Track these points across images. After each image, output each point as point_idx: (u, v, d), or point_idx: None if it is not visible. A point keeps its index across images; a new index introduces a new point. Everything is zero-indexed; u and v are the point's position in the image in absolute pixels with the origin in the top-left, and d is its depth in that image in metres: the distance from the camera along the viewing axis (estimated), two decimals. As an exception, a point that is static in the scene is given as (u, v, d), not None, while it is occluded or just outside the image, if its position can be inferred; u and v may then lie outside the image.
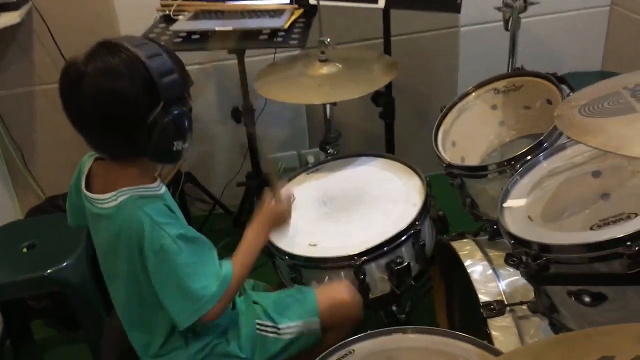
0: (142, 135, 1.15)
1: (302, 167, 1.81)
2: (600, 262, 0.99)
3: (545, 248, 1.04)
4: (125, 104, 1.13)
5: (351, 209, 1.62)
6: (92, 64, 1.12)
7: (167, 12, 2.20)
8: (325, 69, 1.82)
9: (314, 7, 2.09)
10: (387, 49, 2.21)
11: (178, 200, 2.50)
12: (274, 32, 1.95)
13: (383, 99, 2.27)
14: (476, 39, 2.61)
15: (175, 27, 2.04)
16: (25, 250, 1.86)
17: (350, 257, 1.44)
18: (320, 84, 1.74)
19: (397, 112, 2.29)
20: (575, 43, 2.67)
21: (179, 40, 2.01)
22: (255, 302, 1.47)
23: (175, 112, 1.16)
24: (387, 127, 2.36)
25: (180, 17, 2.18)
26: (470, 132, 1.66)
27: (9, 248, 1.88)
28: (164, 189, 1.29)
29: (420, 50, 2.61)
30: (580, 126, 0.84)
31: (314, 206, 1.65)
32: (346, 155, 1.82)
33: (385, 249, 1.46)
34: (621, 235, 0.95)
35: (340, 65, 1.83)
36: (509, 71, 1.74)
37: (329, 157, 1.84)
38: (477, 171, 1.47)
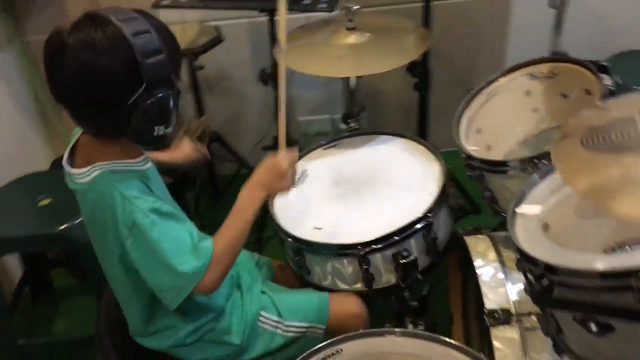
0: (122, 116, 1.07)
1: (321, 143, 1.72)
2: (610, 292, 0.88)
3: (551, 269, 0.94)
4: (105, 83, 1.06)
5: (363, 193, 1.53)
6: (75, 35, 1.05)
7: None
8: (352, 38, 1.70)
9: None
10: (427, 15, 2.07)
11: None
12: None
13: (418, 69, 2.15)
14: (530, 6, 2.41)
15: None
16: (40, 204, 1.86)
17: (354, 246, 1.37)
18: (341, 55, 1.63)
19: (435, 84, 2.17)
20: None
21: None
22: (263, 292, 1.43)
23: (159, 95, 1.08)
24: (421, 98, 2.24)
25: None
26: (499, 119, 1.53)
27: (27, 200, 1.88)
28: (148, 164, 1.24)
29: (464, 17, 2.44)
30: (574, 160, 0.71)
31: (325, 185, 1.58)
32: (366, 132, 1.72)
33: (391, 240, 1.37)
34: (636, 266, 0.84)
35: (368, 35, 1.71)
36: (549, 54, 1.59)
37: (348, 133, 1.74)
38: (497, 166, 1.35)
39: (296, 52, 1.69)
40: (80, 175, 1.17)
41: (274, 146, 2.42)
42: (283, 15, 1.36)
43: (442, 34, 2.47)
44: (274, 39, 2.12)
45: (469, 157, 1.39)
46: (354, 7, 1.66)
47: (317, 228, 1.45)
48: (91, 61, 1.04)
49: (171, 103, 1.11)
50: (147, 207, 1.12)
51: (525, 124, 1.53)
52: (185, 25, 2.24)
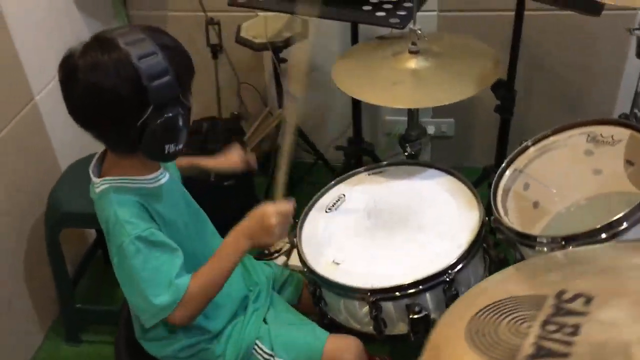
0: (133, 135, 1.11)
1: (365, 167, 1.66)
2: None
3: None
4: (113, 105, 1.09)
5: (392, 231, 1.47)
6: (83, 58, 1.08)
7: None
8: (413, 63, 1.60)
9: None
10: (518, 27, 1.89)
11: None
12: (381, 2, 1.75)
13: (502, 91, 1.99)
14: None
15: (279, -18, 1.92)
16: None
17: (365, 291, 1.32)
18: (395, 82, 1.54)
19: (525, 103, 1.99)
20: None
21: (280, -6, 1.89)
22: (265, 321, 1.43)
23: (167, 115, 1.10)
24: (503, 123, 2.08)
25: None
26: (553, 176, 1.38)
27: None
28: (162, 180, 1.26)
29: (572, 31, 2.21)
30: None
31: (357, 216, 1.52)
32: (416, 163, 1.63)
33: (405, 291, 1.31)
34: None
35: (431, 61, 1.60)
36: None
37: (397, 160, 1.66)
38: (524, 239, 1.22)
39: (350, 72, 1.62)
40: (95, 186, 1.22)
41: (346, 147, 2.40)
42: (299, 59, 1.31)
43: (541, 48, 2.27)
44: (355, 36, 2.05)
45: (497, 220, 1.27)
46: (418, 30, 1.55)
47: (336, 262, 1.41)
48: (99, 84, 1.07)
49: (180, 121, 1.14)
50: (135, 233, 1.15)
51: (583, 185, 1.37)
52: (272, 17, 2.22)
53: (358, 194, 1.58)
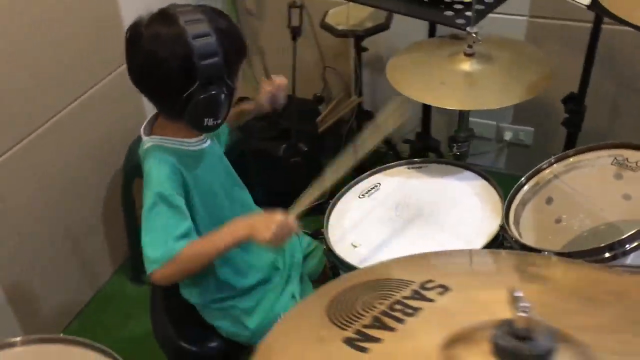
0: (178, 105, 1.23)
1: (408, 160, 1.70)
2: None
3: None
4: (164, 75, 1.21)
5: (413, 225, 1.51)
6: (148, 28, 1.22)
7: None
8: (467, 65, 1.62)
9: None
10: (594, 40, 1.83)
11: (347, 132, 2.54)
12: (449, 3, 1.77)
13: (571, 105, 1.94)
14: None
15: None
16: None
17: (372, 276, 1.38)
18: (443, 82, 1.57)
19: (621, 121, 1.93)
20: None
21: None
22: (293, 297, 1.52)
23: (210, 92, 1.22)
24: (569, 137, 2.02)
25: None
26: (579, 195, 1.36)
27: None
28: (205, 144, 1.38)
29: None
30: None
31: (386, 206, 1.58)
32: (455, 164, 1.65)
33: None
34: None
35: (484, 65, 1.61)
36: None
37: (438, 159, 1.69)
38: (529, 251, 1.23)
39: (403, 68, 1.66)
40: (143, 143, 1.37)
41: (413, 142, 2.43)
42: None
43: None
44: (432, 32, 2.08)
45: (504, 228, 1.28)
46: (474, 32, 1.57)
47: (354, 245, 1.49)
48: (155, 53, 1.20)
49: (222, 99, 1.24)
50: (157, 190, 1.27)
51: (612, 208, 1.34)
52: (356, 6, 2.28)
53: (393, 185, 1.64)
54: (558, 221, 1.38)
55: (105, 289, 2.30)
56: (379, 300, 0.55)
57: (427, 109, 2.31)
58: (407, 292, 0.56)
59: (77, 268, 2.16)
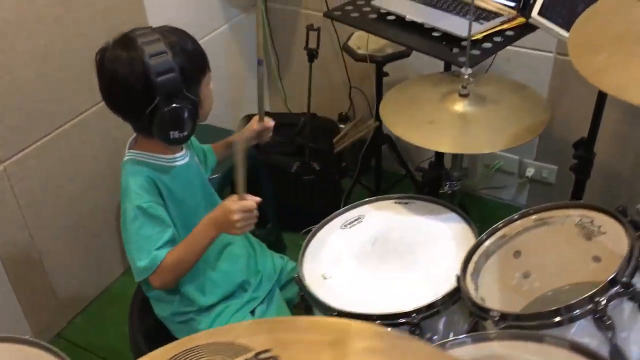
0: (145, 121, 1.30)
1: (397, 195, 1.70)
2: None
3: None
4: (126, 93, 1.29)
5: (386, 262, 1.51)
6: (110, 51, 1.30)
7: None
8: (459, 105, 1.60)
9: (531, 26, 1.81)
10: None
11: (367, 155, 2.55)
12: (455, 39, 1.76)
13: (580, 150, 1.89)
14: None
15: (375, 1, 1.99)
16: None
17: (333, 311, 1.39)
18: (431, 121, 1.56)
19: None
20: None
21: (373, 16, 1.97)
22: (252, 313, 1.56)
23: (171, 106, 1.28)
24: (576, 185, 1.96)
25: (404, -11, 2.10)
26: (548, 252, 1.33)
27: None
28: (182, 161, 1.44)
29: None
30: None
31: (365, 239, 1.58)
32: (441, 203, 1.63)
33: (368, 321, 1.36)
34: None
35: (477, 107, 1.59)
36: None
37: (425, 197, 1.67)
38: (474, 307, 1.21)
39: (396, 104, 1.66)
40: (124, 156, 1.44)
41: (424, 169, 2.41)
42: None
43: None
44: (448, 65, 2.06)
45: (459, 280, 1.26)
46: (468, 73, 1.55)
47: (324, 277, 1.50)
48: (116, 74, 1.28)
49: (185, 112, 1.30)
50: (137, 203, 1.34)
51: (581, 269, 1.30)
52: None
53: (376, 219, 1.64)
54: (526, 276, 1.35)
55: (112, 288, 2.39)
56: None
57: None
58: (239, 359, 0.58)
59: (87, 265, 2.26)
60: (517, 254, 1.34)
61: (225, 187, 2.25)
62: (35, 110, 1.89)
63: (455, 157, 1.71)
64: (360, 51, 2.29)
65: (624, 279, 1.05)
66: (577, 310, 1.07)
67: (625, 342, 1.10)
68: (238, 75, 2.80)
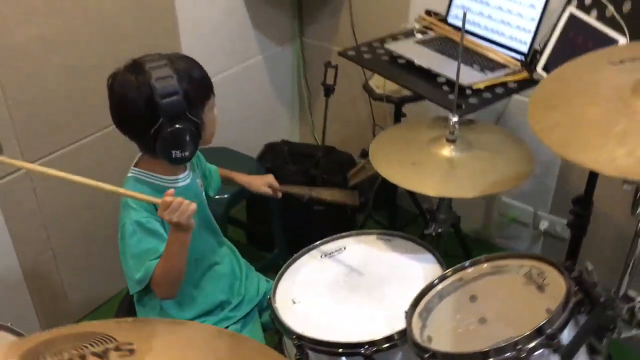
0: (149, 140, 1.41)
1: (381, 230, 1.75)
2: None
3: None
4: (133, 114, 1.40)
5: (355, 294, 1.56)
6: (120, 74, 1.41)
7: (417, 25, 2.21)
8: (446, 151, 1.64)
9: (534, 80, 1.85)
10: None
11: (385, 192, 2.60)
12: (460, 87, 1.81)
13: (578, 206, 1.88)
14: None
15: (388, 45, 2.06)
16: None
17: (296, 335, 1.44)
18: (413, 163, 1.61)
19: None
20: None
21: (385, 59, 2.04)
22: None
23: (174, 127, 1.38)
24: (573, 239, 1.95)
25: (419, 35, 2.17)
26: (503, 299, 1.34)
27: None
28: (179, 183, 1.53)
29: None
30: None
31: (340, 271, 1.64)
32: (419, 243, 1.67)
33: (323, 348, 1.41)
34: None
35: (463, 152, 1.63)
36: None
37: (407, 236, 1.71)
38: (414, 347, 1.23)
39: (387, 145, 1.72)
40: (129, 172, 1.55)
41: (433, 211, 2.43)
42: None
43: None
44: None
45: (406, 315, 1.30)
46: (454, 120, 1.60)
47: (293, 301, 1.56)
48: (124, 96, 1.40)
49: (187, 134, 1.40)
50: (135, 218, 1.44)
51: (534, 320, 1.31)
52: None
53: (355, 252, 1.69)
54: (482, 322, 1.36)
55: (123, 292, 2.51)
56: (71, 349, 0.64)
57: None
58: (99, 348, 0.65)
59: (99, 268, 2.39)
60: (473, 298, 1.36)
61: (233, 207, 2.36)
62: (62, 120, 2.05)
63: (442, 200, 1.75)
64: (378, 91, 2.36)
65: (549, 331, 1.06)
66: (503, 355, 1.09)
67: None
68: (266, 104, 2.93)
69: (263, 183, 1.80)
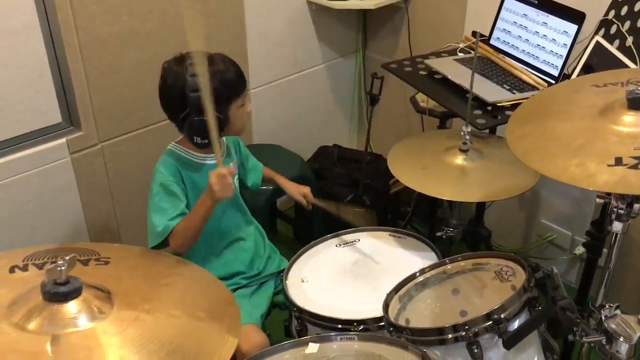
0: (178, 124, 1.67)
1: (392, 229, 1.89)
2: None
3: None
4: (168, 100, 1.66)
5: (359, 281, 1.73)
6: (168, 63, 1.67)
7: (461, 45, 2.35)
8: (458, 159, 1.78)
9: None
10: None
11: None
12: (483, 102, 1.93)
13: (593, 229, 1.95)
14: None
15: (429, 60, 2.21)
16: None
17: (297, 308, 1.62)
18: (425, 168, 1.75)
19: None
20: None
21: (424, 73, 2.19)
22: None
23: (198, 118, 1.60)
24: (588, 263, 2.01)
25: (460, 54, 2.30)
26: (484, 297, 1.46)
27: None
28: (207, 161, 1.74)
29: None
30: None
31: (349, 259, 1.80)
32: (429, 244, 1.79)
33: (318, 321, 1.58)
34: None
35: (475, 161, 1.76)
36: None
37: (418, 235, 1.85)
38: (387, 323, 1.38)
39: (404, 151, 1.86)
40: None
41: (466, 225, 2.53)
42: None
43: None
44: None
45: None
46: (467, 130, 1.73)
47: (302, 279, 1.74)
48: (165, 82, 1.66)
49: (207, 126, 1.57)
50: (160, 180, 1.69)
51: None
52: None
53: (367, 244, 1.85)
54: (463, 315, 1.48)
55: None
56: (65, 256, 0.86)
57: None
58: (84, 257, 0.86)
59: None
60: (455, 291, 1.49)
61: (275, 199, 2.55)
62: (133, 107, 2.34)
63: (453, 205, 1.87)
64: (422, 104, 2.50)
65: (495, 316, 1.18)
66: (458, 333, 1.21)
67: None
68: (325, 111, 3.13)
69: (298, 192, 2.00)
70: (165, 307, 0.94)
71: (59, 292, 0.86)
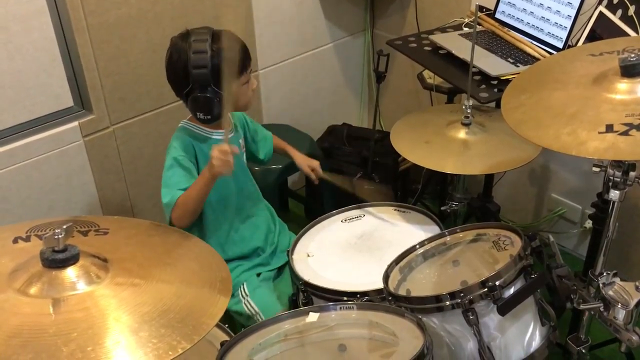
0: (183, 99, 1.71)
1: (397, 203, 1.92)
2: None
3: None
4: (173, 75, 1.70)
5: (361, 253, 1.76)
6: (175, 38, 1.70)
7: (466, 19, 2.34)
8: (460, 132, 1.79)
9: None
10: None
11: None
12: (487, 76, 1.94)
13: (598, 202, 1.95)
14: None
15: (433, 36, 2.21)
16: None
17: (302, 281, 1.66)
18: (427, 141, 1.77)
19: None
20: None
21: (428, 49, 2.20)
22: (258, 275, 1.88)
23: (200, 94, 1.64)
24: (594, 235, 2.01)
25: (466, 28, 2.30)
26: (484, 267, 1.48)
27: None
28: (217, 137, 1.78)
29: None
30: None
31: (354, 233, 1.83)
32: (432, 217, 1.81)
33: (321, 293, 1.62)
34: None
35: (477, 135, 1.77)
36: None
37: (422, 210, 1.87)
38: (386, 293, 1.41)
39: (407, 126, 1.88)
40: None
41: (474, 199, 2.54)
42: None
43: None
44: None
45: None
46: (469, 104, 1.74)
47: (308, 254, 1.78)
48: (170, 58, 1.69)
49: (210, 101, 1.65)
50: (174, 155, 1.73)
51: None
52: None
53: (372, 219, 1.88)
54: (463, 285, 1.51)
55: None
56: (64, 226, 0.91)
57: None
58: (84, 228, 0.90)
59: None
60: (455, 262, 1.52)
61: (285, 177, 2.59)
62: (144, 90, 2.39)
63: (456, 179, 1.89)
64: (429, 80, 2.51)
65: (490, 284, 1.21)
66: (454, 300, 1.24)
67: (499, 346, 1.26)
68: (335, 90, 3.14)
69: (307, 164, 2.03)
70: (160, 273, 0.99)
71: (56, 259, 0.91)
